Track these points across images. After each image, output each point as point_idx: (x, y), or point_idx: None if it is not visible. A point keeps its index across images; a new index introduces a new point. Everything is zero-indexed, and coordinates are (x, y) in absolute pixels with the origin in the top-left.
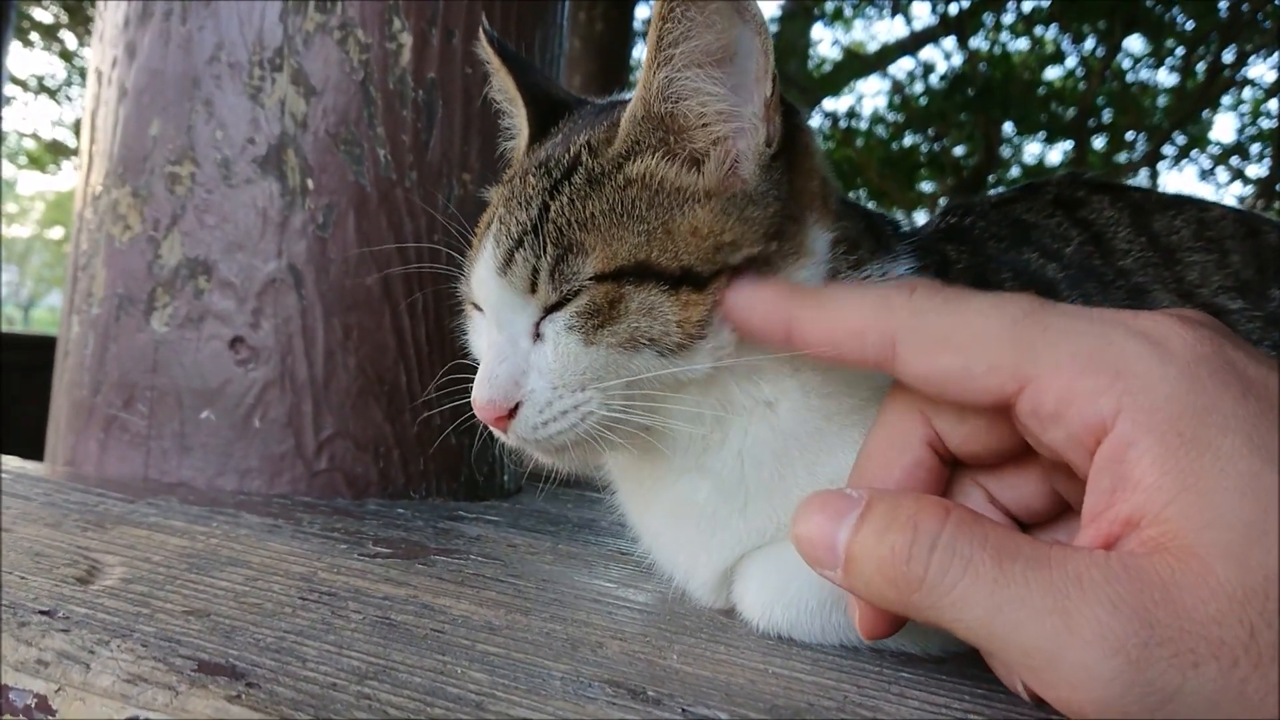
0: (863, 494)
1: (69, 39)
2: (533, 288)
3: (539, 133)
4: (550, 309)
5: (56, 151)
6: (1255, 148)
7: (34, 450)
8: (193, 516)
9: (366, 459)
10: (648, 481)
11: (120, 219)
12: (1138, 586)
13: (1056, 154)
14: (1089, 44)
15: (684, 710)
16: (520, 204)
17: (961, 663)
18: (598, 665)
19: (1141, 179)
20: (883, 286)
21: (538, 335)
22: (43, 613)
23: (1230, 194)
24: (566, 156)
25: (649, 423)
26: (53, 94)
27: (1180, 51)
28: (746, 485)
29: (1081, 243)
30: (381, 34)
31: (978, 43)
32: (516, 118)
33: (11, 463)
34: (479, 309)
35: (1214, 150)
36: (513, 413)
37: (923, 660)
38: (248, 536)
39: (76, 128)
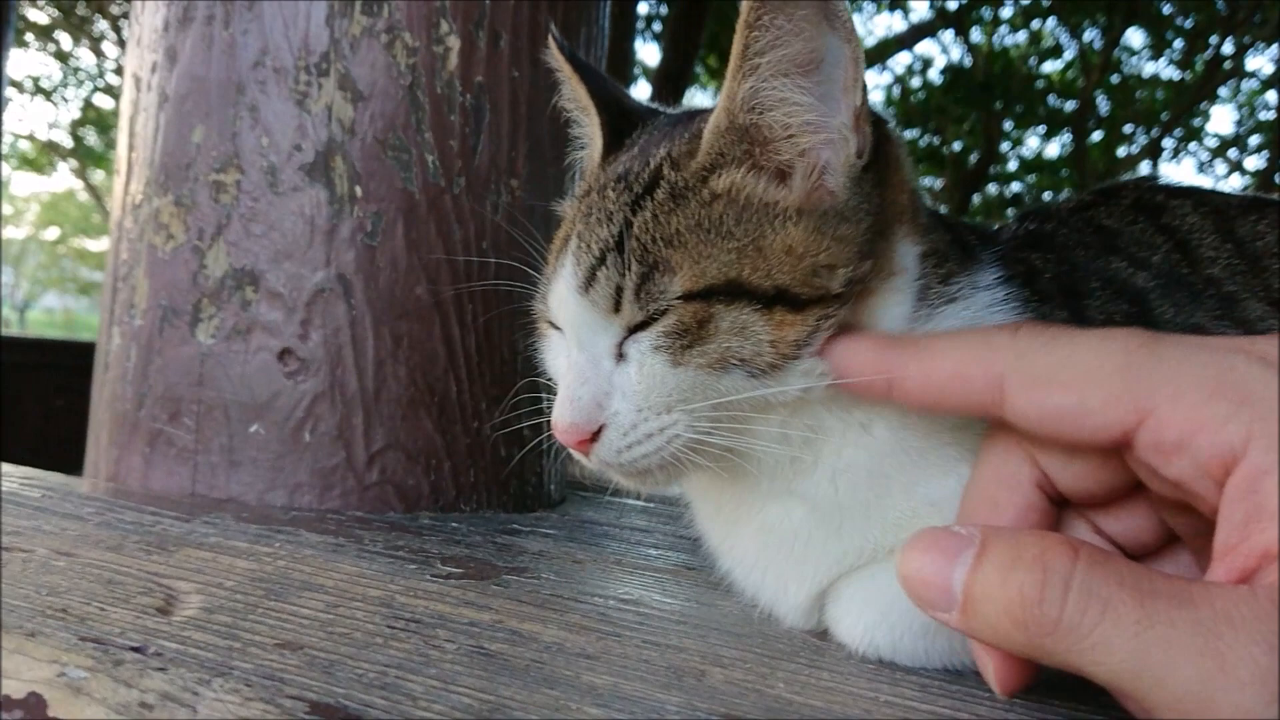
0: (974, 531)
1: (64, 40)
2: (616, 307)
3: (614, 143)
4: (634, 329)
5: (52, 152)
6: (1254, 139)
7: (30, 449)
8: (253, 536)
9: (418, 471)
10: (730, 505)
11: (162, 228)
12: None
13: (1054, 147)
14: (1088, 36)
15: None
16: (601, 220)
17: (1075, 686)
18: (709, 698)
19: (1143, 172)
20: (984, 329)
21: (620, 355)
22: (134, 649)
23: (1228, 187)
24: (647, 170)
25: (736, 445)
26: (48, 95)
27: (1179, 44)
28: (841, 508)
29: (1168, 251)
30: (429, 37)
31: (976, 37)
32: (588, 127)
33: (53, 478)
34: (556, 328)
35: (1211, 143)
36: (595, 436)
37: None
38: (314, 557)
39: (73, 129)
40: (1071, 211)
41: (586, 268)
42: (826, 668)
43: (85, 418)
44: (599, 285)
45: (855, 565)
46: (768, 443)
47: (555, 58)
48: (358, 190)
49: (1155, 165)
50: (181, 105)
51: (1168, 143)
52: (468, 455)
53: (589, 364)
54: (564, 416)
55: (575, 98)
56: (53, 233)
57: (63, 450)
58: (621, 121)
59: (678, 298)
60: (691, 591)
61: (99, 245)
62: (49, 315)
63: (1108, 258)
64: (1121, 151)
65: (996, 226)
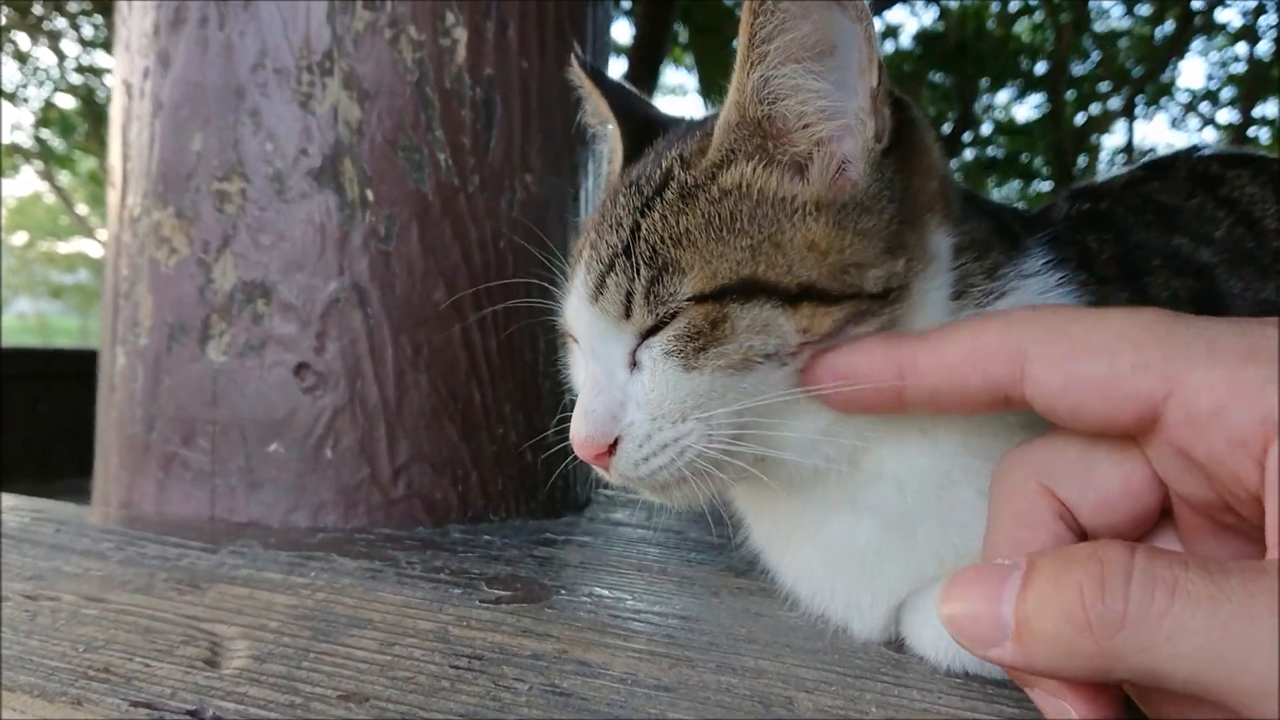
0: (1015, 559)
1: (21, 40)
2: (627, 313)
3: (634, 154)
4: (646, 334)
5: (16, 154)
6: (1226, 93)
7: (14, 457)
8: (285, 565)
9: (445, 483)
10: (785, 520)
11: (164, 242)
12: None
13: (1027, 110)
14: None
15: None
16: (611, 226)
17: None
18: None
19: (1119, 128)
20: (1002, 311)
21: (634, 364)
22: (190, 713)
23: (1201, 141)
24: (658, 172)
25: (766, 453)
26: (11, 97)
27: None
28: (913, 518)
29: (1230, 225)
30: (434, 30)
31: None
32: (611, 140)
33: (64, 510)
34: (575, 340)
35: (1183, 98)
36: (613, 449)
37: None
38: (353, 587)
39: (35, 130)
40: (1125, 188)
41: (597, 275)
42: (913, 685)
43: (68, 425)
44: (609, 292)
45: (934, 575)
46: (800, 451)
47: (576, 73)
48: (369, 194)
49: (1130, 122)
50: (178, 112)
51: (1140, 99)
52: (494, 463)
53: (603, 374)
54: (579, 430)
55: (597, 111)
56: (20, 237)
57: (47, 458)
58: (643, 132)
59: (688, 299)
60: (748, 603)
61: (69, 247)
62: (22, 320)
63: (1170, 235)
64: (1096, 109)
65: (1046, 208)
